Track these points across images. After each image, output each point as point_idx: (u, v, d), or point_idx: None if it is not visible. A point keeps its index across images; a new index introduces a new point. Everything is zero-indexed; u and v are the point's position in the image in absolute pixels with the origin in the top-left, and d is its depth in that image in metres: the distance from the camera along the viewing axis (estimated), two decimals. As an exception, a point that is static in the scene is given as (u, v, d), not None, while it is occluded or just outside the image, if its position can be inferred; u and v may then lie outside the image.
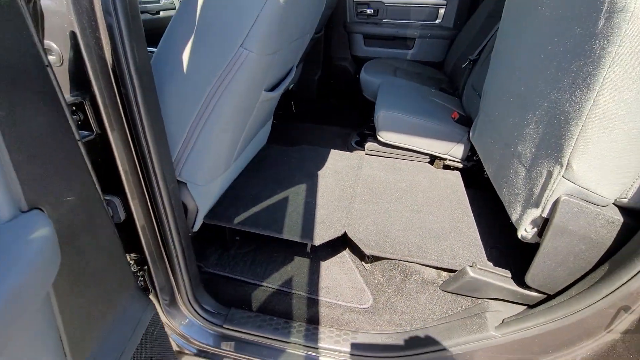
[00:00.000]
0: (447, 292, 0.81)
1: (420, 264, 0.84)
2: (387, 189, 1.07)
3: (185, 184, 0.81)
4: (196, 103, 0.71)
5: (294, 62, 1.10)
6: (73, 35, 0.46)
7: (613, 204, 0.58)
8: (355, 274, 0.94)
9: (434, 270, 0.85)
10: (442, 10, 1.92)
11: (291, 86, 1.16)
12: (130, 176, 0.56)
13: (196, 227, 0.89)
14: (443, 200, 1.02)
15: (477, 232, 0.90)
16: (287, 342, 0.78)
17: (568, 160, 0.55)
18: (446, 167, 1.23)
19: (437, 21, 1.96)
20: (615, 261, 0.56)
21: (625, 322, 0.56)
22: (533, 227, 0.65)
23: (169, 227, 0.64)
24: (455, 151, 1.18)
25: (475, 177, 1.15)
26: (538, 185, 0.62)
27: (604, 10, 0.48)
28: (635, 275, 0.51)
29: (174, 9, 1.96)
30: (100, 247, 0.45)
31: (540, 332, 0.63)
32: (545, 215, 0.61)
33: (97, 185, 0.45)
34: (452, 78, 1.73)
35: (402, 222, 0.92)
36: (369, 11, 1.99)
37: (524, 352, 0.66)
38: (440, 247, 0.84)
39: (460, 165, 1.20)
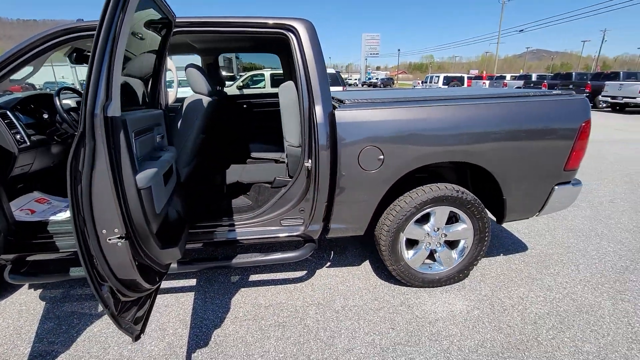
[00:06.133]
0: (274, 187, 2.35)
1: (266, 183, 2.39)
2: (255, 168, 2.64)
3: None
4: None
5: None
6: None
7: (299, 145, 2.24)
8: (246, 199, 2.42)
9: (270, 185, 2.41)
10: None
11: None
12: None
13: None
14: (280, 172, 2.63)
15: (287, 175, 2.50)
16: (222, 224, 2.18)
17: (286, 138, 2.21)
18: (280, 163, 2.88)
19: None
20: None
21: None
22: (286, 159, 2.28)
23: None
24: (282, 156, 2.85)
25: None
26: (286, 147, 2.27)
27: (304, 104, 2.19)
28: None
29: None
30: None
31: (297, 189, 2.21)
32: (287, 154, 2.24)
33: None
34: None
35: (262, 173, 2.48)
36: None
37: (292, 196, 2.22)
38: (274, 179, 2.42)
39: (285, 161, 2.87)
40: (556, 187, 2.27)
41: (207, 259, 2.12)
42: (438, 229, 2.28)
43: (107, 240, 1.06)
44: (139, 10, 1.20)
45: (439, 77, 17.71)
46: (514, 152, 2.12)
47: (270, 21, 1.99)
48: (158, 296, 2.29)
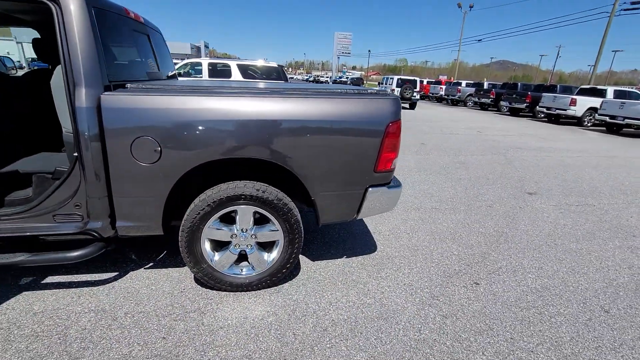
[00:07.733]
0: (54, 179, 2.09)
1: (48, 173, 2.12)
2: (61, 157, 2.35)
3: None
4: None
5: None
6: None
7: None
8: (30, 191, 2.13)
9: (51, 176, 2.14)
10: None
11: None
12: None
13: None
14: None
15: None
16: None
17: (62, 123, 1.96)
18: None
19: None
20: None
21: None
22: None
23: None
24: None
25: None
26: (63, 134, 2.01)
27: (69, 86, 1.93)
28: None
29: None
30: None
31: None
32: (65, 142, 1.99)
33: None
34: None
35: (50, 163, 2.20)
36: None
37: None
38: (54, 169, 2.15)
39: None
40: (370, 189, 2.19)
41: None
42: (246, 229, 2.13)
43: None
44: None
45: (392, 79, 17.99)
46: (317, 150, 2.00)
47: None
48: None
